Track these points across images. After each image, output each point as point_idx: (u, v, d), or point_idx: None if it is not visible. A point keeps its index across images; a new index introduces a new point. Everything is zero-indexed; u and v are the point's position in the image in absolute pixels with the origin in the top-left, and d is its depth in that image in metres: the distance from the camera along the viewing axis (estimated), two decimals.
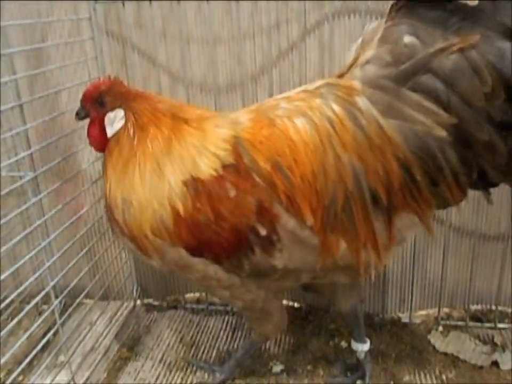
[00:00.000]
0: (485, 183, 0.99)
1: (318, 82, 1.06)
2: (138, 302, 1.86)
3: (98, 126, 1.14)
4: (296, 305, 1.78)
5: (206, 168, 1.01)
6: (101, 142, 1.13)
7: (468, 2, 0.87)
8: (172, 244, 1.03)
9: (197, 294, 1.87)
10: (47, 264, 1.34)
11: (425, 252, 1.64)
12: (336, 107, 0.99)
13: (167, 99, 1.15)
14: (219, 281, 1.08)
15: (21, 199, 1.60)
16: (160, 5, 1.53)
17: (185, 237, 1.01)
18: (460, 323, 1.65)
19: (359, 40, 1.06)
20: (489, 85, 0.89)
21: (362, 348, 1.36)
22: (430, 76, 0.92)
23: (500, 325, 1.62)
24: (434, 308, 1.69)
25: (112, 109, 1.10)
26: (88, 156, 1.66)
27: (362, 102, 0.97)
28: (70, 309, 1.53)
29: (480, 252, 1.61)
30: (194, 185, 1.00)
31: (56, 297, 1.44)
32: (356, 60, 1.02)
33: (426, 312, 1.71)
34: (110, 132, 1.11)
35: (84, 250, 1.54)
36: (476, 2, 0.88)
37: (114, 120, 1.11)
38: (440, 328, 1.64)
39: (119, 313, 1.79)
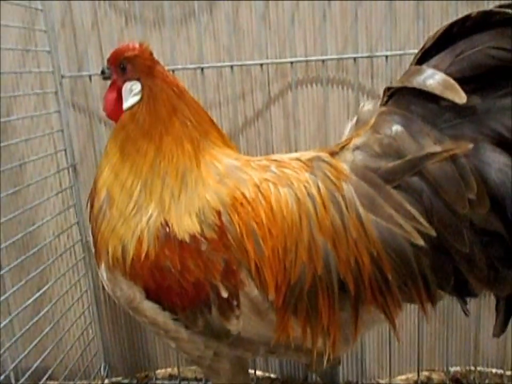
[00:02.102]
0: (464, 292, 0.96)
1: (312, 154, 1.04)
2: (106, 381, 1.76)
3: (115, 91, 1.09)
4: (272, 376, 1.71)
5: (187, 227, 0.98)
6: (114, 109, 1.09)
7: (456, 100, 0.85)
8: (129, 281, 1.00)
9: (169, 369, 1.79)
10: (8, 345, 1.27)
11: (400, 314, 1.62)
12: (322, 187, 0.97)
13: (189, 95, 1.09)
14: (166, 332, 1.04)
15: None
16: None
17: (146, 278, 0.98)
18: None
19: (354, 119, 1.06)
20: (474, 191, 0.86)
21: None
22: (417, 179, 0.90)
23: None
24: (414, 372, 1.66)
25: (131, 79, 1.07)
26: (53, 229, 1.62)
27: (347, 189, 0.95)
28: None
29: (454, 312, 1.61)
30: (167, 231, 0.98)
31: (17, 380, 1.35)
32: (348, 141, 1.00)
33: (406, 377, 1.67)
34: (126, 104, 1.07)
35: (48, 328, 1.47)
36: (465, 101, 0.85)
37: (130, 93, 1.06)
38: None
39: None
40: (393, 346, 1.63)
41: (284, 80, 1.52)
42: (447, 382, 1.60)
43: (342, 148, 1.01)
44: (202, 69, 1.47)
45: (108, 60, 1.12)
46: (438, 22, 1.43)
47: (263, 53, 1.48)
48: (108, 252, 1.02)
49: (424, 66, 0.91)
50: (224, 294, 0.97)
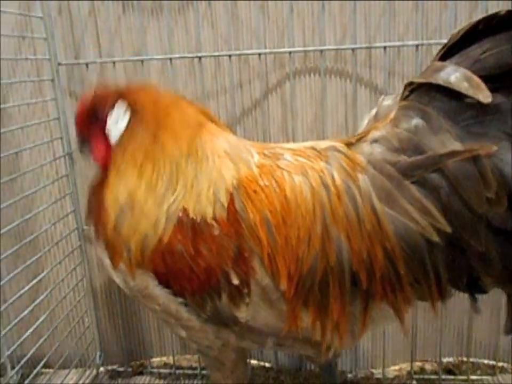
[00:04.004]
0: (476, 289, 0.96)
1: (327, 143, 1.03)
2: (102, 369, 1.77)
3: (101, 139, 1.06)
4: (267, 365, 1.73)
5: (202, 208, 0.98)
6: (108, 154, 1.05)
7: (480, 99, 0.83)
8: (142, 268, 1.00)
9: (164, 358, 1.80)
10: (3, 332, 1.27)
11: None
12: (337, 177, 0.97)
13: (166, 92, 1.09)
14: (178, 320, 1.04)
15: None
16: (124, 66, 1.55)
17: (156, 261, 0.98)
18: (433, 376, 1.63)
19: (373, 112, 1.05)
20: (493, 190, 0.85)
21: None
22: (436, 175, 0.89)
23: (473, 377, 1.61)
24: (407, 362, 1.67)
25: (112, 107, 1.04)
26: (49, 217, 1.62)
27: (363, 180, 0.95)
28: (28, 380, 1.44)
29: (449, 303, 1.61)
30: (180, 216, 0.98)
31: (13, 367, 1.36)
32: (366, 133, 1.00)
33: (399, 367, 1.69)
34: (114, 136, 1.04)
35: (44, 316, 1.47)
36: (490, 100, 0.84)
37: (118, 118, 1.04)
38: (414, 383, 1.61)
39: (81, 382, 1.69)
40: (387, 337, 1.64)
41: (282, 70, 1.52)
42: (440, 372, 1.61)
43: (359, 139, 1.00)
44: (200, 58, 1.47)
45: (78, 128, 1.10)
46: (436, 13, 1.42)
47: (261, 43, 1.47)
48: (129, 251, 1.00)
49: (447, 62, 0.90)
50: (235, 281, 0.97)
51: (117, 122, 1.04)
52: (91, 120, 1.07)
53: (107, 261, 1.06)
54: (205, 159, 1.02)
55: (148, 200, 1.00)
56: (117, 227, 1.01)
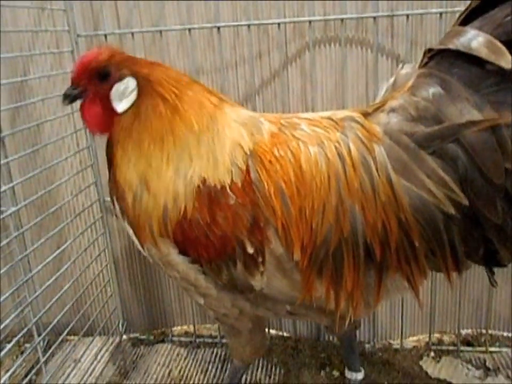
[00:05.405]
0: (493, 262, 0.95)
1: (344, 113, 1.03)
2: (124, 336, 1.81)
3: (100, 103, 1.03)
4: (285, 334, 1.75)
5: (218, 176, 0.98)
6: (105, 121, 1.03)
7: (502, 64, 0.82)
8: (163, 236, 1.01)
9: (185, 327, 1.83)
10: (29, 300, 1.31)
11: None
12: (353, 148, 0.96)
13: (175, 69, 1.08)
14: (196, 288, 1.06)
15: (2, 233, 1.58)
16: (142, 37, 1.54)
17: (175, 230, 0.99)
18: (451, 348, 1.63)
19: (391, 80, 1.03)
20: None
21: (356, 376, 1.33)
22: (453, 146, 0.87)
23: (491, 349, 1.61)
24: (425, 334, 1.68)
25: (121, 78, 1.01)
26: (71, 188, 1.64)
27: (379, 151, 0.94)
28: (54, 347, 1.48)
29: (468, 275, 1.61)
30: (198, 185, 0.98)
31: (39, 334, 1.40)
32: (383, 103, 0.98)
33: (417, 338, 1.70)
34: (121, 106, 1.01)
35: (68, 285, 1.50)
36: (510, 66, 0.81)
37: (126, 92, 1.01)
38: (432, 354, 1.62)
39: (104, 349, 1.74)
40: (405, 308, 1.65)
41: (301, 40, 1.49)
42: (458, 344, 1.62)
43: (376, 109, 0.99)
44: (218, 28, 1.45)
45: (77, 77, 1.04)
46: None
47: (280, 12, 1.45)
48: (151, 226, 1.01)
49: (468, 27, 0.87)
50: (250, 250, 0.98)
51: (122, 95, 1.02)
52: (97, 77, 1.03)
53: (133, 237, 1.08)
54: (217, 132, 1.02)
55: (162, 178, 1.00)
56: (136, 207, 1.02)
